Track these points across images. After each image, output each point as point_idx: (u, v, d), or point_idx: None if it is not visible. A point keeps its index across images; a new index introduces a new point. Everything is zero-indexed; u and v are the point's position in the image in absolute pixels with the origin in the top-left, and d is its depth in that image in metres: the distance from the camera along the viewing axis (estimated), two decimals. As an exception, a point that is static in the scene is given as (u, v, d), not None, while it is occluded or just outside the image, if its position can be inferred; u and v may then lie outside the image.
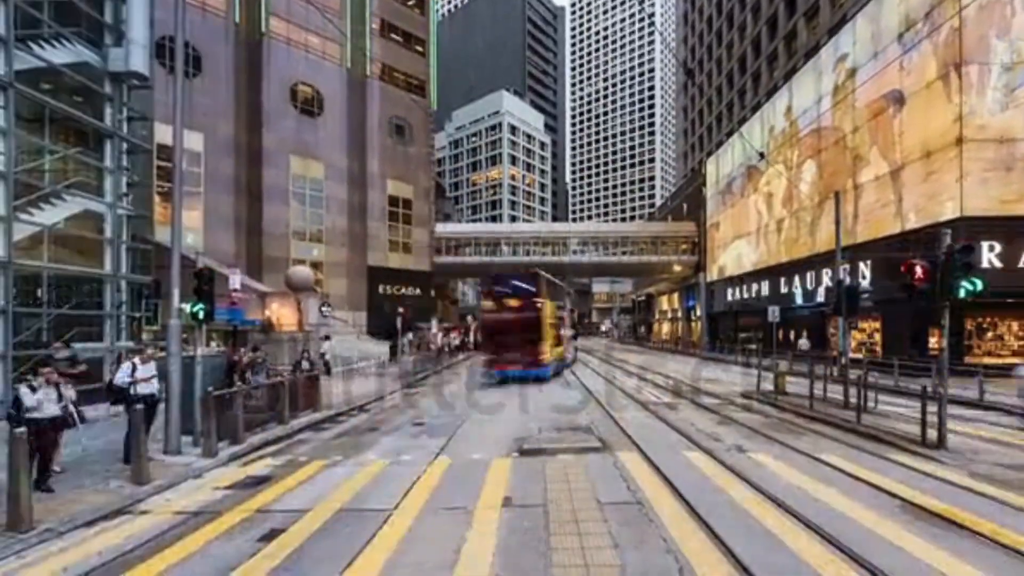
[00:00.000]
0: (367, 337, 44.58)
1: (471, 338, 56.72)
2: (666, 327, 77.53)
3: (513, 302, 24.71)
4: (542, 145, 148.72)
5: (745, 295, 48.73)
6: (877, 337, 30.98)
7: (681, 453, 11.38)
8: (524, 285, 25.05)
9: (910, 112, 28.17)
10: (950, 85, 25.83)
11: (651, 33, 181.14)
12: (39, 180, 17.34)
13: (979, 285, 11.54)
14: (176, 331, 11.55)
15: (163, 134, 32.44)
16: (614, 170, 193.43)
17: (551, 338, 25.89)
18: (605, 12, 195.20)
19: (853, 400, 15.69)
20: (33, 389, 8.90)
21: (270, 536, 7.18)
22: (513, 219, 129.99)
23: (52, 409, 9.05)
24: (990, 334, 26.16)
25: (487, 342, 26.48)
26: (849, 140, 33.17)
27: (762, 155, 37.80)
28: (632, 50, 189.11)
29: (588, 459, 10.95)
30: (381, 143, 52.47)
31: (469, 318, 72.99)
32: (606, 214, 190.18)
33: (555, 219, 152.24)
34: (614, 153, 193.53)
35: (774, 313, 29.96)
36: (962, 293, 11.52)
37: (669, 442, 12.58)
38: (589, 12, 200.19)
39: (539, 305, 24.63)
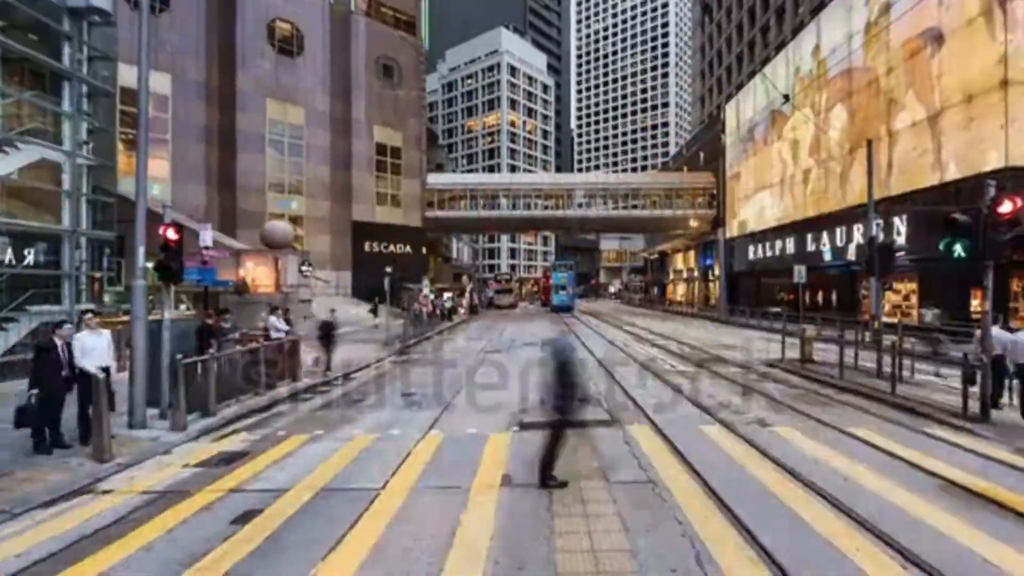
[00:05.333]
0: (353, 299, 44.57)
1: (467, 300, 56.51)
2: (681, 288, 77.52)
3: None
4: (545, 88, 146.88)
5: (768, 253, 48.49)
6: (913, 299, 30.88)
7: (698, 427, 11.31)
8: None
9: (949, 52, 27.61)
10: (994, 22, 25.25)
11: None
12: (-11, 126, 17.00)
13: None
14: (141, 293, 11.35)
15: (127, 76, 31.03)
16: (624, 116, 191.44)
17: None
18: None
19: (887, 369, 15.55)
20: None
21: (245, 518, 7.09)
22: (513, 169, 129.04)
23: None
24: (1038, 295, 26.02)
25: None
26: (883, 82, 32.58)
27: (787, 98, 37.23)
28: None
29: (595, 433, 10.86)
30: (367, 85, 51.69)
31: (464, 278, 72.77)
32: (615, 164, 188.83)
33: (559, 169, 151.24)
34: (624, 97, 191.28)
35: (800, 273, 29.70)
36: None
37: (684, 415, 12.54)
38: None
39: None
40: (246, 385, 14.13)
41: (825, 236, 38.59)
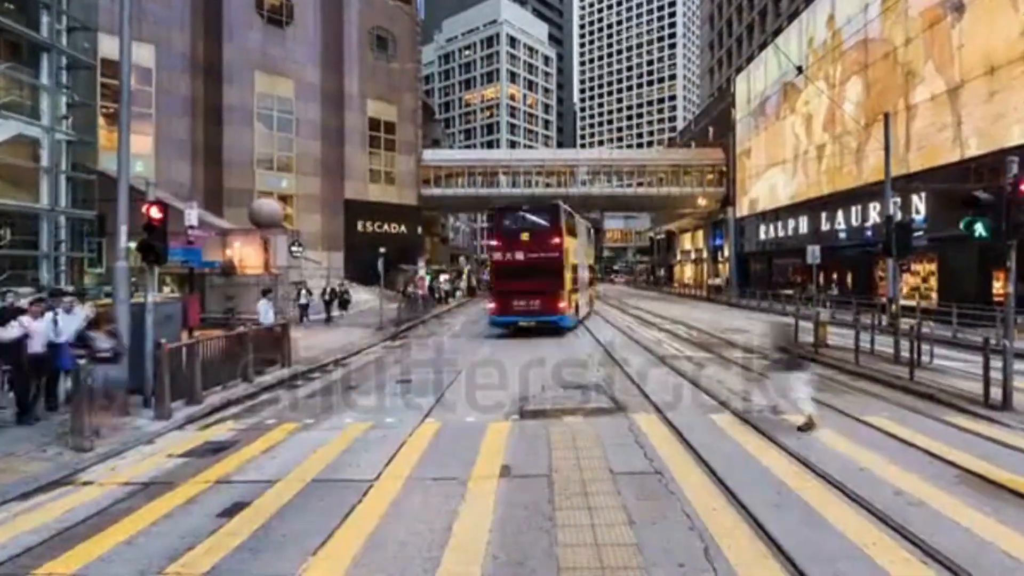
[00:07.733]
0: (345, 282, 44.47)
1: (464, 282, 56.47)
2: (688, 270, 77.49)
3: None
4: (546, 60, 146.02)
5: (780, 233, 48.46)
6: (933, 281, 30.84)
7: (706, 415, 11.26)
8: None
9: (971, 22, 27.40)
10: (1016, -9, 25.09)
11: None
12: (-39, 99, 16.88)
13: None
14: (123, 274, 11.28)
15: (109, 47, 31.25)
16: (629, 88, 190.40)
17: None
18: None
19: (905, 354, 15.53)
20: None
21: (232, 510, 7.05)
22: (512, 145, 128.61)
23: None
24: (1065, 277, 25.96)
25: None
26: (900, 54, 32.33)
27: (800, 69, 36.88)
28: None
29: (599, 422, 10.82)
30: (360, 57, 51.30)
31: (462, 259, 72.70)
32: (620, 140, 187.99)
33: (561, 145, 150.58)
34: (629, 69, 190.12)
35: (814, 254, 29.61)
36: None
37: (692, 403, 12.51)
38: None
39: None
40: (234, 371, 14.12)
41: (840, 215, 38.47)
